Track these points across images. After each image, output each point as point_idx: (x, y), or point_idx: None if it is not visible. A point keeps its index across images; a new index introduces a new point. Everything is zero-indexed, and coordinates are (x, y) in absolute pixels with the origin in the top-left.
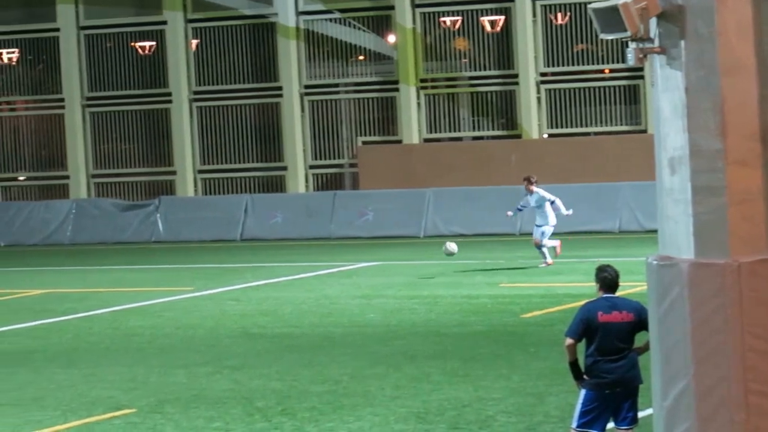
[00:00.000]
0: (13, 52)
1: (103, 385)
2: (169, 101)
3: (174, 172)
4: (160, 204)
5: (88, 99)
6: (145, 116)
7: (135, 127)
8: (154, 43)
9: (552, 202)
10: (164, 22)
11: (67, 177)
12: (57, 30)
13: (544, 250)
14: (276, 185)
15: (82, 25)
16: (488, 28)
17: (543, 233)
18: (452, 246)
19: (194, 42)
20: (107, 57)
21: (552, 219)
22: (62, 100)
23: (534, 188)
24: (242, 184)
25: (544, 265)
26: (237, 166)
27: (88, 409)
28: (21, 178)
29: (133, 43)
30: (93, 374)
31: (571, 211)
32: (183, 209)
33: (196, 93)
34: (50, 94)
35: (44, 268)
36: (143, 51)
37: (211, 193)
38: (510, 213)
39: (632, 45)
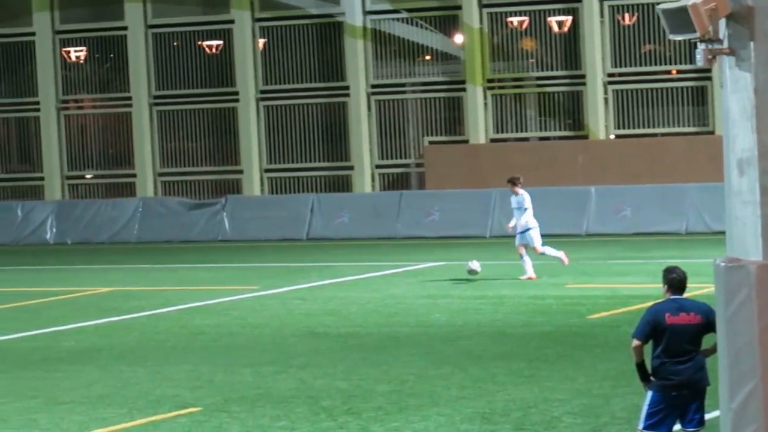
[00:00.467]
0: (81, 51)
1: (168, 384)
2: (236, 100)
3: (241, 171)
4: (226, 203)
5: (156, 97)
6: (212, 115)
7: (202, 126)
8: (221, 42)
9: (525, 210)
10: (231, 21)
11: (134, 175)
12: (125, 29)
13: (528, 260)
14: (342, 185)
15: (149, 23)
16: (555, 28)
17: (531, 238)
18: (475, 264)
19: (261, 41)
20: (174, 56)
21: (532, 222)
22: (129, 98)
23: (519, 190)
24: (309, 183)
25: (524, 277)
26: (303, 165)
27: (154, 407)
28: (88, 176)
29: (200, 42)
30: (159, 372)
31: (511, 225)
32: (249, 208)
33: (263, 92)
34: (118, 92)
35: (111, 266)
36: (210, 50)
37: (277, 192)
38: (510, 225)
39: (701, 46)
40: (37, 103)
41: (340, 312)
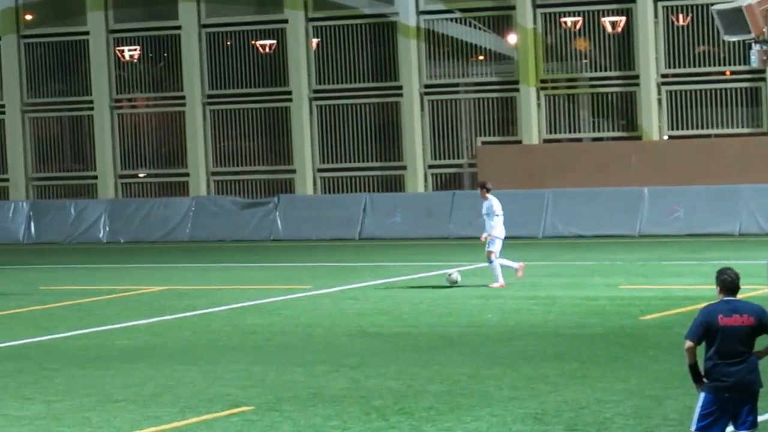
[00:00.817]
0: (135, 50)
1: (221, 383)
2: (290, 100)
3: (293, 171)
4: (279, 202)
5: (209, 97)
6: (265, 114)
7: (255, 125)
8: (274, 41)
9: (496, 216)
10: (285, 21)
11: (187, 174)
12: (179, 28)
13: (497, 266)
14: (395, 185)
15: (203, 23)
16: (609, 28)
17: (492, 242)
18: (455, 275)
19: (315, 41)
20: (228, 55)
21: (498, 230)
22: (183, 97)
23: (489, 196)
24: (361, 183)
25: (497, 285)
26: (356, 165)
27: (207, 406)
28: (141, 175)
29: (253, 42)
30: (211, 371)
31: (484, 236)
32: (302, 208)
33: (316, 92)
34: (171, 91)
35: (163, 265)
36: (264, 49)
37: (330, 192)
38: (485, 235)
39: (756, 47)
40: (91, 102)
41: (392, 312)
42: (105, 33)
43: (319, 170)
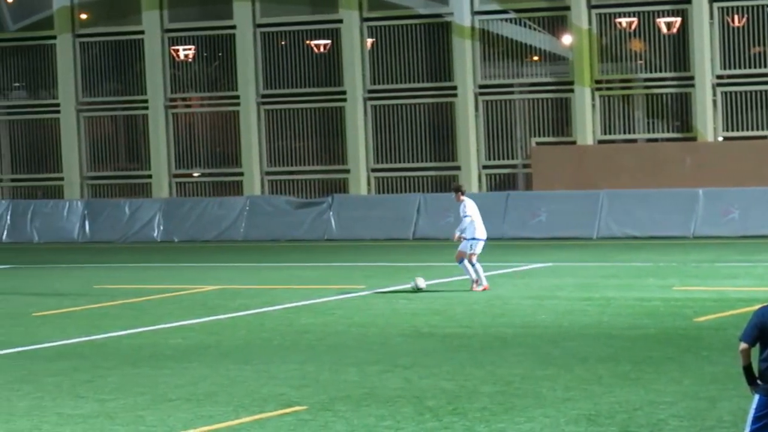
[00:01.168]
0: (190, 49)
1: (274, 382)
2: (344, 99)
3: (347, 171)
4: (333, 202)
5: (263, 96)
6: (319, 114)
7: (309, 125)
8: (329, 41)
9: (465, 217)
10: (340, 21)
11: (242, 174)
12: (233, 27)
13: (473, 268)
14: (449, 185)
15: (258, 23)
16: (664, 29)
17: (471, 245)
18: (421, 282)
19: (369, 41)
20: (282, 55)
21: (478, 232)
22: (237, 97)
23: (463, 198)
24: (415, 183)
25: (480, 288)
26: (410, 165)
27: (260, 406)
28: (195, 174)
29: (308, 41)
30: (265, 371)
31: (457, 235)
32: (356, 207)
33: (370, 92)
34: (225, 91)
35: (217, 265)
36: (318, 49)
37: (384, 192)
38: (457, 233)
39: None
40: (146, 101)
41: (446, 312)
42: (160, 32)
43: (373, 170)
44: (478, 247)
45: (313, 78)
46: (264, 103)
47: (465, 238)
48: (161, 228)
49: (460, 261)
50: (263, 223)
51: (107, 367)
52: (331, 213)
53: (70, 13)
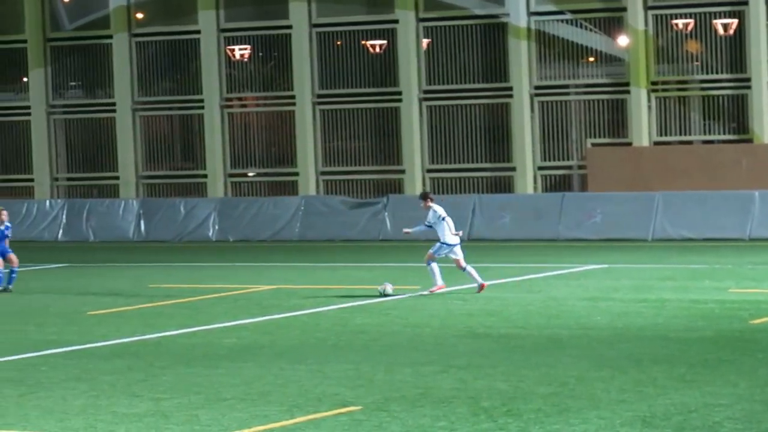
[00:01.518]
0: (246, 49)
1: (329, 382)
2: (399, 100)
3: (402, 171)
4: (388, 202)
5: (319, 96)
6: (374, 114)
7: (364, 125)
8: (385, 41)
9: (443, 219)
10: (396, 21)
11: (297, 174)
12: (289, 27)
13: (432, 271)
14: (504, 186)
15: (314, 22)
16: (721, 30)
17: (437, 248)
18: (389, 288)
19: (425, 41)
20: (338, 55)
21: (447, 237)
22: (293, 97)
23: (430, 204)
24: (470, 184)
25: (480, 285)
26: (465, 165)
27: (315, 406)
28: (251, 174)
29: (363, 42)
30: (319, 370)
31: (461, 233)
32: (411, 208)
33: (426, 92)
34: (281, 91)
35: (272, 264)
36: (374, 49)
37: (439, 192)
38: (408, 230)
39: None
40: (201, 100)
41: (500, 313)
42: (216, 32)
43: (429, 171)
44: (459, 252)
45: (369, 78)
46: (319, 103)
47: (409, 233)
48: (216, 227)
49: (428, 262)
50: (318, 223)
51: (162, 366)
52: (386, 213)
53: (127, 12)
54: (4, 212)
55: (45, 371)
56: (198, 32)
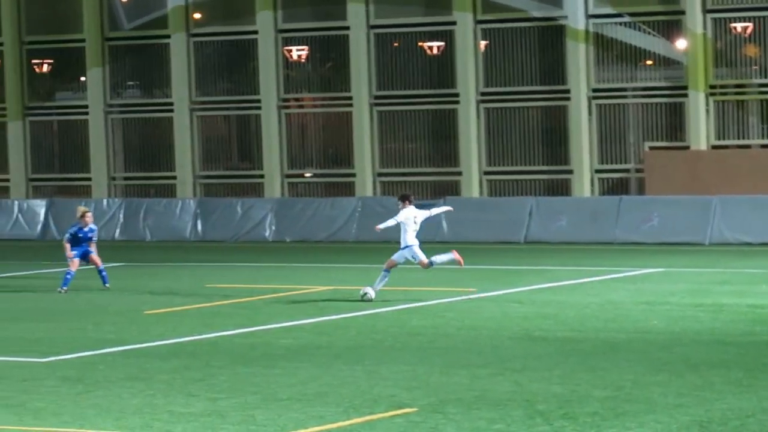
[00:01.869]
0: (303, 50)
1: (385, 383)
2: (457, 102)
3: (459, 173)
4: (444, 204)
5: (376, 98)
6: (431, 116)
7: (421, 127)
8: (442, 43)
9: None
10: (453, 23)
11: (354, 175)
12: (347, 28)
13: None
14: (561, 188)
15: (371, 24)
16: None
17: (405, 255)
18: (370, 294)
19: (483, 43)
20: (395, 56)
21: (407, 238)
22: (350, 98)
23: (409, 206)
24: (527, 186)
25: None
26: (523, 168)
27: (370, 407)
28: (307, 174)
29: (420, 43)
30: (375, 372)
31: (381, 227)
32: (467, 210)
33: (483, 94)
34: (338, 92)
35: (329, 265)
36: (431, 51)
37: (496, 195)
38: (379, 227)
39: None
40: (259, 101)
41: (557, 316)
42: (274, 32)
43: (485, 173)
44: (419, 253)
45: (426, 80)
46: (377, 105)
47: (379, 229)
48: (273, 228)
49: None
50: (375, 224)
51: (219, 366)
52: (442, 215)
53: (185, 12)
54: (89, 215)
55: (102, 370)
56: (256, 32)
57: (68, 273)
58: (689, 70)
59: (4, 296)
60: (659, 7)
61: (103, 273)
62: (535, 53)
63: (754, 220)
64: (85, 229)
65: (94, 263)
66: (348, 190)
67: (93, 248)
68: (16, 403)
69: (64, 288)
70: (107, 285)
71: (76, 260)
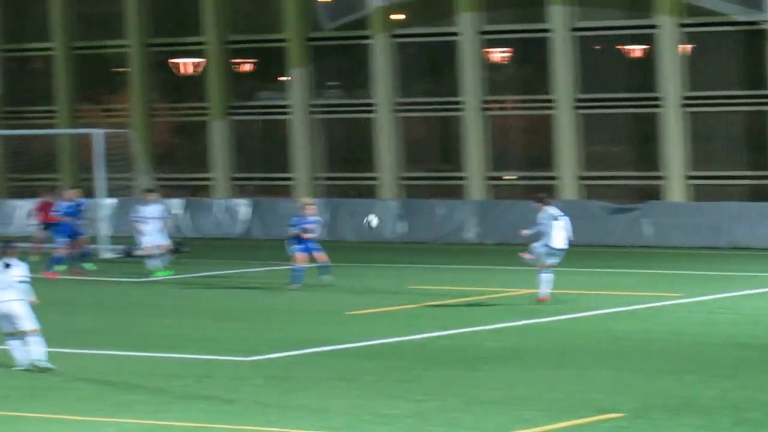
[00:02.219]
0: (505, 52)
1: (590, 388)
2: (658, 105)
3: (661, 177)
4: (647, 208)
5: (578, 101)
6: (633, 119)
7: (623, 130)
8: (645, 46)
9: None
10: (655, 26)
11: (555, 178)
12: (548, 31)
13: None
14: (766, 193)
15: (573, 26)
16: None
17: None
18: (374, 221)
19: (686, 47)
20: (596, 59)
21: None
22: (551, 100)
23: (545, 208)
24: (731, 191)
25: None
26: (726, 173)
27: (576, 411)
28: (509, 177)
29: (621, 46)
30: (581, 376)
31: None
32: (671, 214)
33: (686, 98)
34: (539, 94)
35: (531, 269)
36: (633, 54)
37: (699, 200)
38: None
39: None
40: (460, 102)
41: (765, 322)
42: (475, 34)
43: (689, 177)
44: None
45: (627, 83)
46: (579, 107)
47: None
48: (475, 230)
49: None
50: (577, 228)
51: (422, 368)
52: (645, 219)
53: (386, 13)
54: (311, 206)
55: (307, 370)
56: (457, 34)
57: (296, 269)
58: None
59: (212, 293)
60: None
61: (327, 267)
62: (738, 58)
63: None
64: (307, 220)
65: (318, 260)
66: (549, 193)
67: (314, 239)
68: (222, 401)
69: (296, 285)
70: (326, 277)
71: (299, 255)
